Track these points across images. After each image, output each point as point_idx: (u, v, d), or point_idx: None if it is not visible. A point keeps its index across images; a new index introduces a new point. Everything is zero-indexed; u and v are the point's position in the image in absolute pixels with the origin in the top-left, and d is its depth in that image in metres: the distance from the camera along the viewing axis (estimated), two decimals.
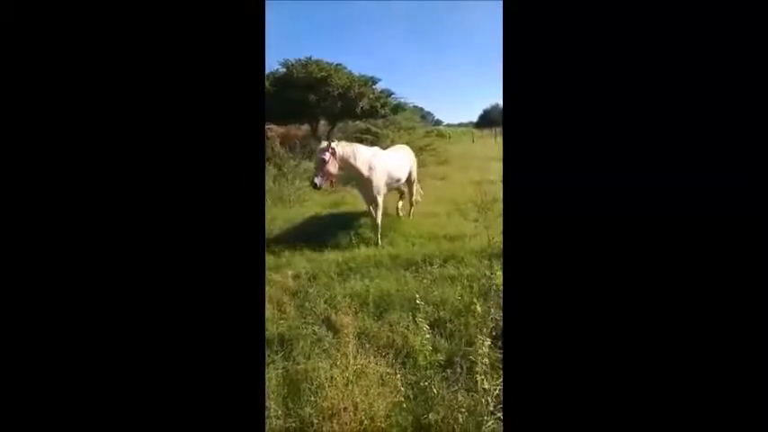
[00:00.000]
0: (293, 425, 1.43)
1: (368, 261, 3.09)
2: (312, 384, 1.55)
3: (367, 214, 4.01)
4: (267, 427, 1.39)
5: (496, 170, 6.55)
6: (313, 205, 5.40)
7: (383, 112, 11.13)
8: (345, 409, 1.37)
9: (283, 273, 2.97)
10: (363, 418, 1.37)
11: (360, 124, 10.92)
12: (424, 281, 2.55)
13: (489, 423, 1.32)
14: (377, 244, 3.61)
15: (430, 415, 1.40)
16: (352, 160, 3.60)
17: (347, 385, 1.45)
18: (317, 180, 3.44)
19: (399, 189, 4.39)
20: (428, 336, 1.65)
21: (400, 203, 4.48)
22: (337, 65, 10.55)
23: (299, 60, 10.45)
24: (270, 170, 6.92)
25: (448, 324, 2.06)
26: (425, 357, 1.59)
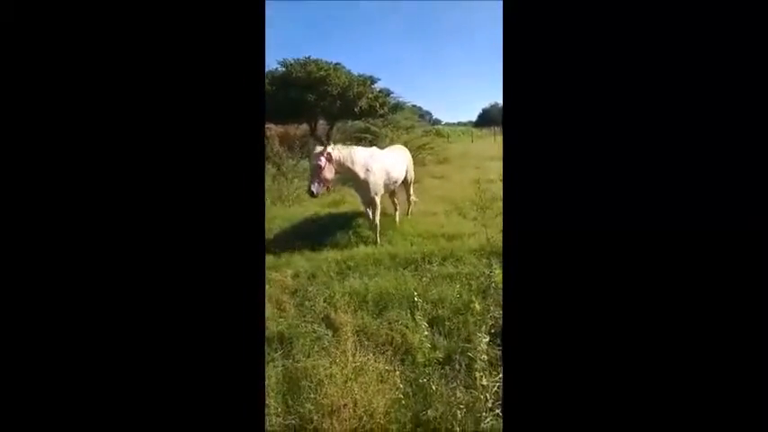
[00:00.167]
0: (293, 422, 1.44)
1: (367, 260, 3.09)
2: (312, 382, 1.56)
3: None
4: (267, 425, 1.40)
5: (495, 169, 6.57)
6: (312, 204, 5.34)
7: (382, 111, 11.10)
8: (345, 405, 1.38)
9: (283, 272, 2.98)
10: (363, 414, 1.38)
11: (359, 123, 10.89)
12: (423, 279, 2.55)
13: (488, 419, 1.33)
14: (376, 243, 3.62)
15: (429, 411, 1.41)
16: (348, 164, 3.54)
17: (346, 382, 1.46)
18: (314, 188, 3.33)
19: (396, 189, 4.39)
20: (427, 333, 1.66)
21: (397, 203, 4.48)
22: (336, 64, 10.52)
23: (298, 60, 10.40)
24: (269, 169, 6.92)
25: (446, 322, 2.07)
26: (424, 354, 1.59)
